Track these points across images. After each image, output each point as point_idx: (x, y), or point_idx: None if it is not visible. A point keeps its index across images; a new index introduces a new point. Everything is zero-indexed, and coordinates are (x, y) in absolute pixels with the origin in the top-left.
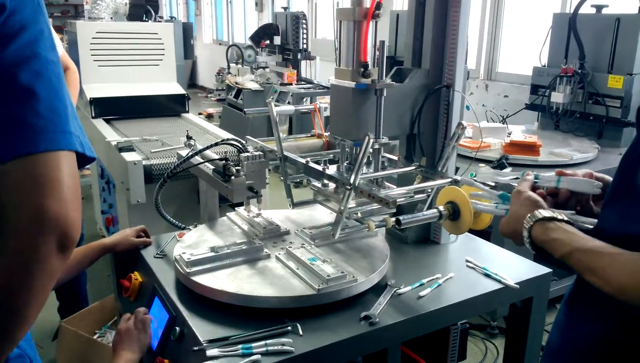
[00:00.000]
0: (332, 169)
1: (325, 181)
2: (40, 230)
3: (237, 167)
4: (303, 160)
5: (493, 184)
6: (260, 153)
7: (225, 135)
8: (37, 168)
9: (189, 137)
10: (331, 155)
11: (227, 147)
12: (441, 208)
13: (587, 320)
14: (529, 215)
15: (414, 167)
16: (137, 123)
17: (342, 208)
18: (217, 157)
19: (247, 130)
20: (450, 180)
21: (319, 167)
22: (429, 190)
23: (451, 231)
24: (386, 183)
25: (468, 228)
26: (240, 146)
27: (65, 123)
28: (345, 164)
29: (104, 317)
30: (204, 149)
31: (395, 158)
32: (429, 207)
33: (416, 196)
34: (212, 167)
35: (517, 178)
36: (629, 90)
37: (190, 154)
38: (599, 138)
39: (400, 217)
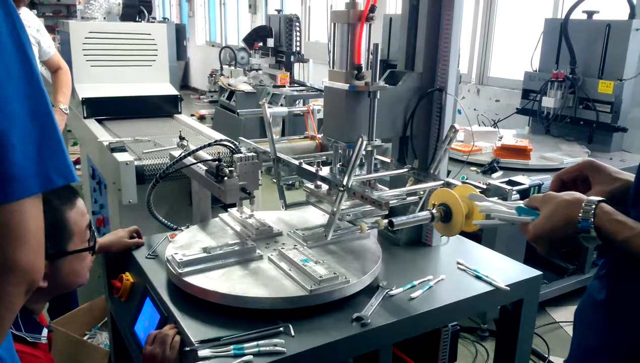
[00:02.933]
0: (325, 171)
1: (318, 183)
2: (11, 279)
3: (230, 168)
4: (296, 162)
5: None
6: (253, 154)
7: (218, 136)
8: (8, 219)
9: (181, 138)
10: (324, 157)
11: (220, 148)
12: (433, 210)
13: (633, 321)
14: (585, 201)
15: (406, 170)
16: (129, 123)
17: (335, 209)
18: (210, 157)
19: (239, 131)
20: (442, 182)
21: (312, 169)
22: (421, 192)
23: (443, 233)
24: (379, 185)
25: (460, 230)
26: (233, 147)
27: (38, 162)
28: (338, 166)
29: (94, 318)
30: (197, 150)
31: (388, 160)
32: (421, 209)
33: (408, 198)
34: (204, 167)
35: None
36: (619, 95)
37: (183, 154)
38: (589, 143)
39: (393, 219)
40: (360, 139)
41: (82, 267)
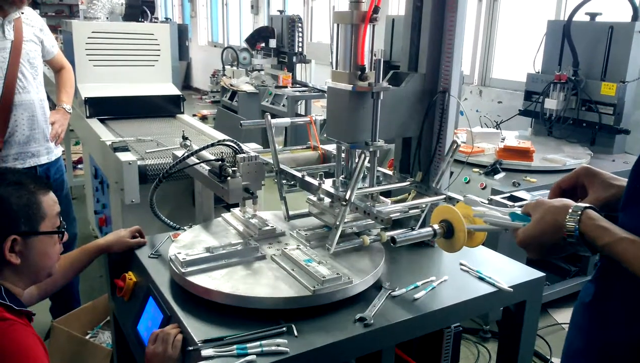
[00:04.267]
0: (327, 183)
1: (321, 195)
2: None
3: (233, 168)
4: (299, 174)
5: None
6: (257, 154)
7: (221, 136)
8: None
9: (184, 138)
10: (327, 169)
11: (223, 148)
12: (436, 226)
13: (617, 324)
14: (572, 207)
15: (408, 183)
16: (132, 123)
17: (338, 223)
18: (213, 158)
19: (241, 132)
20: (444, 196)
21: (315, 181)
22: (423, 206)
23: (445, 249)
24: (381, 197)
25: (462, 247)
26: (236, 147)
27: None
28: (341, 179)
29: (96, 317)
30: (200, 150)
31: (390, 173)
32: (423, 223)
33: (410, 211)
34: (208, 168)
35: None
36: (622, 97)
37: (186, 154)
38: (591, 144)
39: (396, 236)
40: (363, 155)
41: (53, 251)
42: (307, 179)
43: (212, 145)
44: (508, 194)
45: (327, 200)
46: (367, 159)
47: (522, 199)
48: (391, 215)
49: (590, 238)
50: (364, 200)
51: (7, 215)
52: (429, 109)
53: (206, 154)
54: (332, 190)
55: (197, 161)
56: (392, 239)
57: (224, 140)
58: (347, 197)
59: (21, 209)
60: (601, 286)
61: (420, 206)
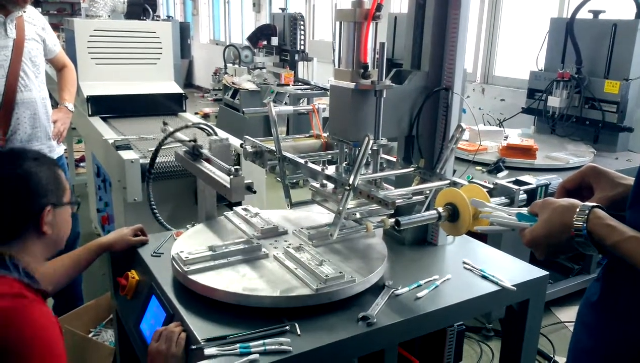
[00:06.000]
0: (330, 170)
1: (324, 181)
2: None
3: (236, 167)
4: (302, 161)
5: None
6: (226, 137)
7: (223, 135)
8: None
9: (165, 123)
10: (329, 156)
11: (196, 130)
12: (440, 209)
13: (624, 322)
14: (580, 206)
15: (412, 169)
16: (134, 121)
17: (341, 208)
18: (187, 138)
19: (243, 130)
20: (448, 181)
21: (318, 168)
22: (427, 192)
23: (450, 232)
24: (384, 184)
25: (467, 230)
26: (209, 130)
27: None
28: (344, 165)
29: (99, 315)
30: (175, 131)
31: (394, 159)
32: (427, 209)
33: (414, 197)
34: (211, 167)
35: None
36: (625, 95)
37: (164, 137)
38: (594, 142)
39: (400, 218)
40: (367, 138)
41: (70, 219)
42: (311, 165)
43: (187, 127)
44: (514, 179)
45: (330, 186)
46: (371, 143)
47: (527, 183)
48: (396, 199)
49: (598, 237)
50: (368, 186)
51: (39, 188)
52: (428, 98)
53: (206, 153)
54: (335, 176)
55: (179, 144)
56: (396, 222)
57: (197, 123)
58: (351, 182)
59: (50, 181)
60: (608, 284)
61: (424, 191)
